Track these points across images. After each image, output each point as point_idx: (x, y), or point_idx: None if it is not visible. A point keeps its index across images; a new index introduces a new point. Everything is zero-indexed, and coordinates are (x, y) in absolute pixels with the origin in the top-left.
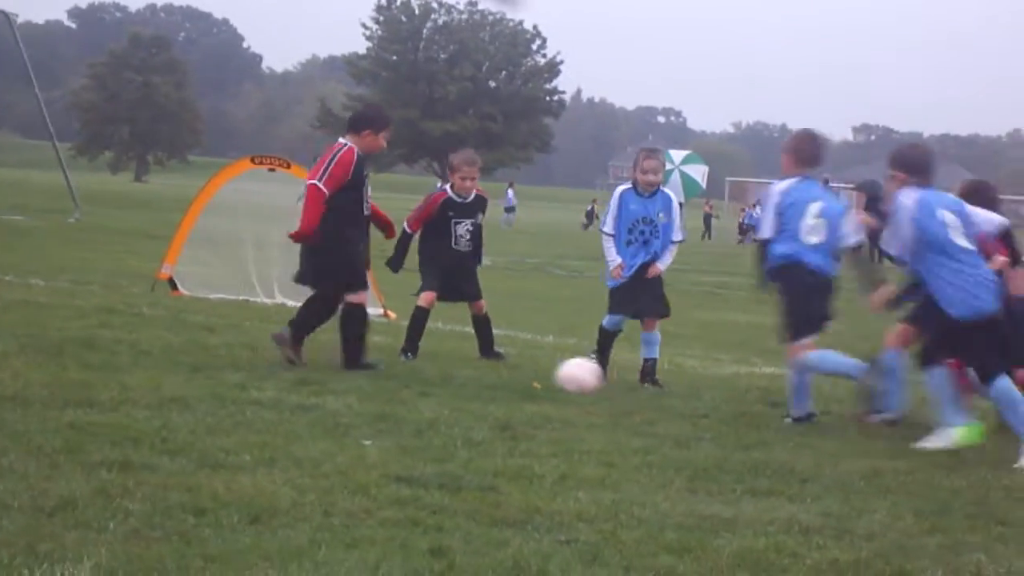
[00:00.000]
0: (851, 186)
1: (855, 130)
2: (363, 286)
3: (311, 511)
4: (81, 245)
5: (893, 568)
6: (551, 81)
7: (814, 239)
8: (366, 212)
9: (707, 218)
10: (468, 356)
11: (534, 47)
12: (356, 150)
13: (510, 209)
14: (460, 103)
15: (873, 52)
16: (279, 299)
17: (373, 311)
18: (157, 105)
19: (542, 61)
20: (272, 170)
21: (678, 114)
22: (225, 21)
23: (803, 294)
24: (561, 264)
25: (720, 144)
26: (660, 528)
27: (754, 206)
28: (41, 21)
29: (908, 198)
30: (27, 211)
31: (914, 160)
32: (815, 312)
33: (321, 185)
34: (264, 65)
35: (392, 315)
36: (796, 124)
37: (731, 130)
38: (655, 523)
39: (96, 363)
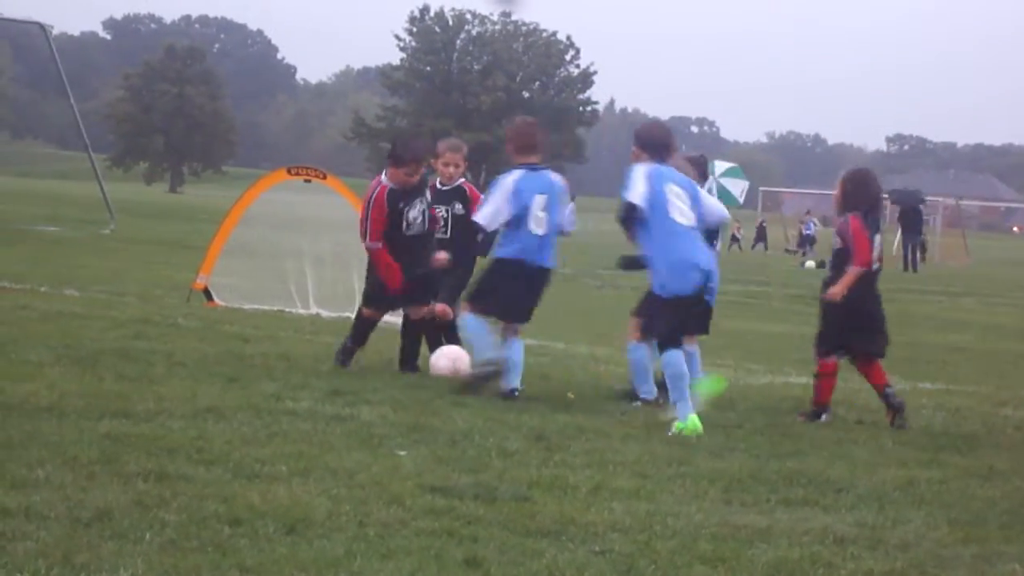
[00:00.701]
0: (884, 196)
1: (888, 140)
2: (419, 301)
3: (346, 521)
4: (116, 256)
5: None
6: (584, 91)
7: (540, 231)
8: (423, 229)
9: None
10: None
11: (567, 57)
12: (388, 186)
13: None
14: (493, 114)
15: (907, 62)
16: (314, 310)
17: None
18: (191, 116)
19: (575, 72)
20: (308, 181)
21: (711, 124)
22: (260, 32)
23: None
24: (595, 274)
25: (753, 153)
26: (694, 539)
27: (807, 213)
28: (76, 32)
29: (639, 170)
30: (62, 222)
31: (651, 138)
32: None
33: (372, 244)
34: (298, 76)
35: None
36: (829, 134)
37: (764, 140)
38: (689, 534)
39: (132, 374)
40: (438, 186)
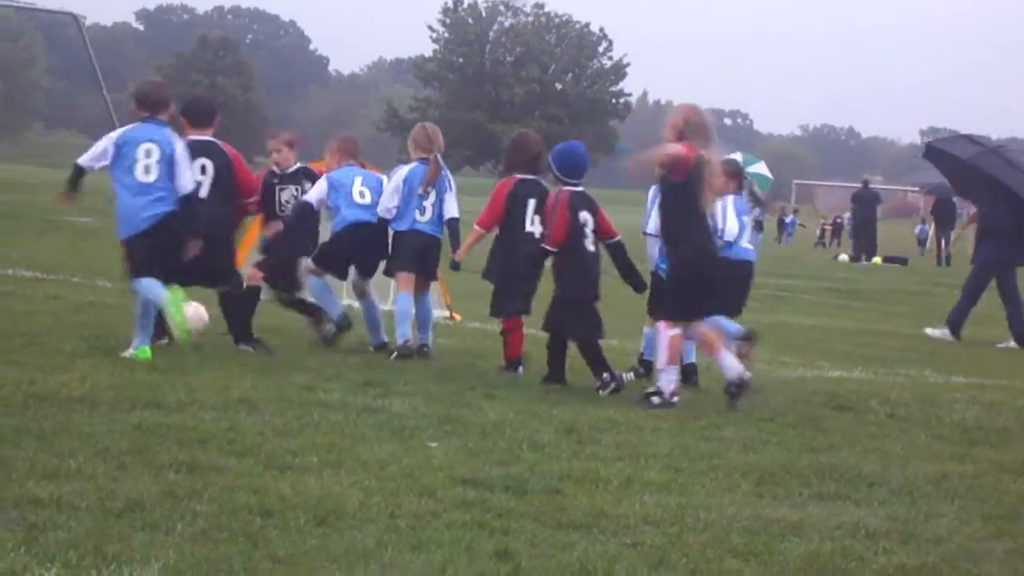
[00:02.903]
0: (917, 189)
1: (922, 132)
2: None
3: (377, 513)
4: None
5: (960, 573)
6: (617, 83)
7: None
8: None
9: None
10: (533, 358)
11: (600, 49)
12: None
13: None
14: (526, 105)
15: (941, 54)
16: (345, 300)
17: (439, 313)
18: (224, 107)
19: (608, 63)
20: None
21: (745, 116)
22: (292, 23)
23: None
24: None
25: (786, 146)
26: (726, 532)
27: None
28: (109, 23)
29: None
30: (94, 213)
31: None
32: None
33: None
34: (331, 67)
35: (458, 317)
36: (863, 126)
37: (798, 132)
38: (721, 527)
39: (163, 365)
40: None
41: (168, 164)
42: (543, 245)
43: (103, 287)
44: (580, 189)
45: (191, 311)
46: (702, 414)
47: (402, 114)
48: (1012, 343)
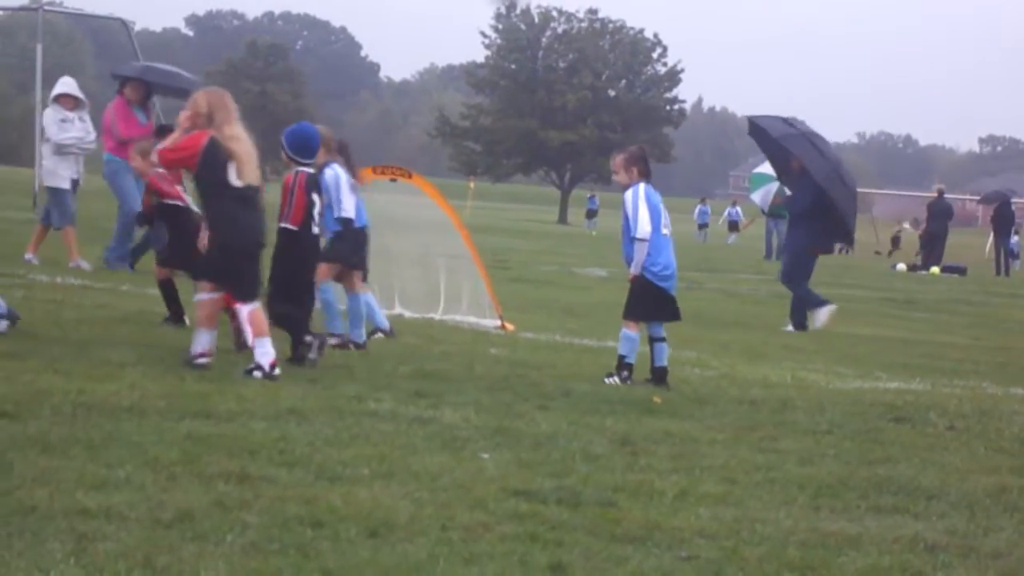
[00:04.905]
0: (977, 198)
1: (981, 141)
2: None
3: (429, 525)
4: None
5: None
6: (671, 90)
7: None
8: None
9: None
10: (586, 369)
11: (654, 55)
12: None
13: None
14: (579, 112)
15: (1000, 61)
16: (398, 310)
17: (490, 322)
18: (274, 114)
19: (662, 70)
20: (394, 180)
21: (801, 124)
22: (343, 29)
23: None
24: (679, 275)
25: (843, 153)
26: (783, 545)
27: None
28: (159, 29)
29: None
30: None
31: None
32: None
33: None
34: (381, 74)
35: (510, 327)
36: (921, 135)
37: (855, 140)
38: (778, 540)
39: (213, 374)
40: None
41: None
42: (284, 225)
43: (153, 295)
44: (312, 171)
45: None
46: (758, 426)
47: (453, 121)
48: (790, 327)
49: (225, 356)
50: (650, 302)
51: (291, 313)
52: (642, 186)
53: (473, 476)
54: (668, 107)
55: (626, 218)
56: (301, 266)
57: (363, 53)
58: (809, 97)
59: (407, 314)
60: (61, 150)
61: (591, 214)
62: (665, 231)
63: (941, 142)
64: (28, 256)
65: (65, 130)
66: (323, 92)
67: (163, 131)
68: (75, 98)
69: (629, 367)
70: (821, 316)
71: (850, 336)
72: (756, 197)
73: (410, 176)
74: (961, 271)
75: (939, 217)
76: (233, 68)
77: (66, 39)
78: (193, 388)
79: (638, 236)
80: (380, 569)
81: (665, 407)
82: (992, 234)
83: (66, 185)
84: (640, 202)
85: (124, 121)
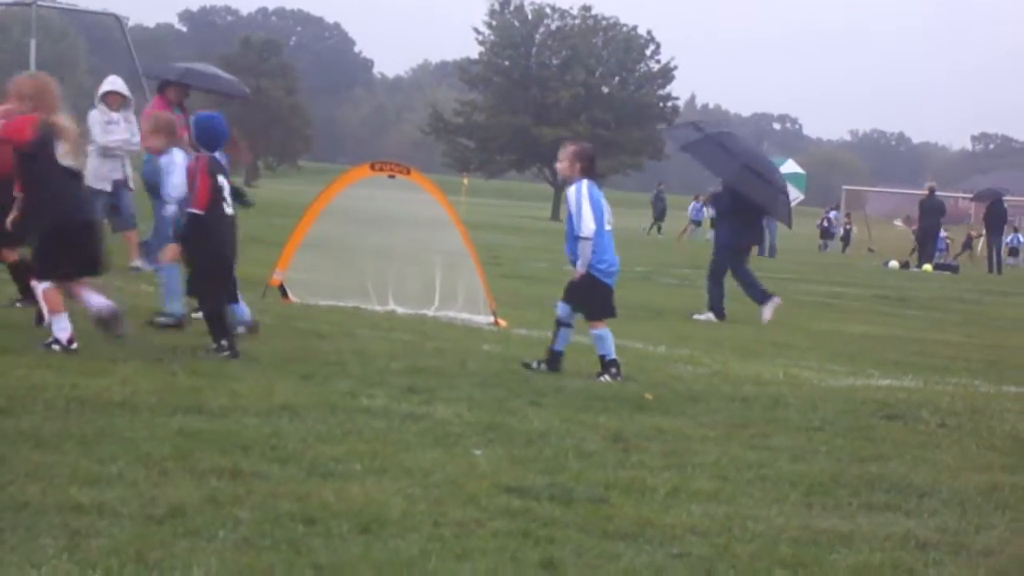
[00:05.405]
0: (969, 196)
1: (974, 139)
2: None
3: (421, 521)
4: None
5: None
6: (665, 87)
7: None
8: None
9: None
10: (578, 366)
11: (648, 52)
12: None
13: None
14: (572, 109)
15: (992, 59)
16: (391, 306)
17: (484, 319)
18: (268, 110)
19: (656, 67)
20: (392, 176)
21: (794, 121)
22: (337, 25)
23: None
24: (671, 272)
25: (836, 151)
26: (775, 543)
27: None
28: (152, 24)
29: None
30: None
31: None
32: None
33: None
34: (375, 70)
35: (503, 323)
36: (913, 132)
37: (847, 137)
38: (769, 537)
39: (205, 370)
40: None
41: None
42: (190, 209)
43: (145, 291)
44: (216, 155)
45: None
46: (750, 423)
47: (447, 117)
48: (711, 315)
49: (235, 353)
50: (607, 298)
51: (210, 302)
52: (585, 183)
53: (465, 472)
54: (661, 104)
55: (570, 216)
56: (218, 249)
57: (356, 49)
58: (802, 95)
59: (400, 310)
60: (107, 152)
61: None
62: (608, 227)
63: (934, 140)
64: (135, 264)
65: (110, 132)
66: (317, 88)
67: None
68: (122, 96)
69: (614, 363)
70: (766, 312)
71: (842, 333)
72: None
73: (408, 172)
74: (953, 269)
75: (931, 214)
76: (226, 64)
77: (59, 34)
78: (185, 383)
79: (583, 235)
80: (372, 565)
81: (657, 404)
82: (985, 231)
83: (108, 187)
84: (583, 200)
85: None
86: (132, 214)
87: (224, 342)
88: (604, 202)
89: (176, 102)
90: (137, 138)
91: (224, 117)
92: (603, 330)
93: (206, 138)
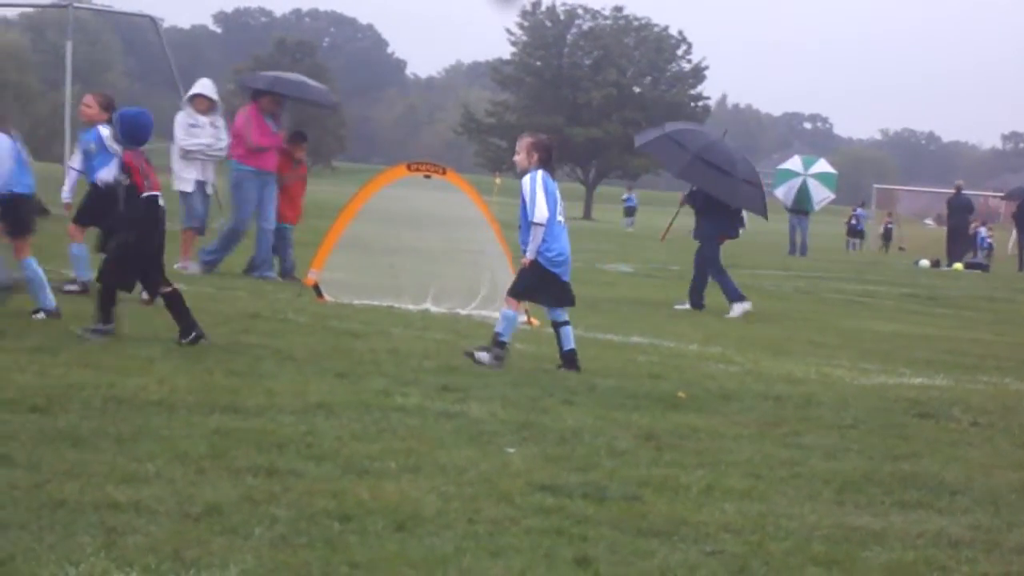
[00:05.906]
0: (1000, 194)
1: (1004, 137)
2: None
3: (456, 519)
4: None
5: None
6: (696, 87)
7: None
8: None
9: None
10: (611, 365)
11: (679, 52)
12: None
13: (630, 211)
14: (604, 109)
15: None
16: (425, 305)
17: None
18: (302, 111)
19: (687, 67)
20: (428, 176)
21: (824, 120)
22: (370, 27)
23: None
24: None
25: (866, 150)
26: (808, 540)
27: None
28: (187, 26)
29: None
30: (170, 216)
31: None
32: None
33: None
34: (408, 71)
35: (536, 322)
36: (944, 132)
37: (878, 136)
38: (803, 535)
39: (241, 369)
40: None
41: None
42: (152, 193)
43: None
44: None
45: None
46: (782, 421)
47: (479, 118)
48: (687, 305)
49: (250, 350)
50: (538, 284)
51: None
52: (540, 173)
53: (499, 470)
54: (692, 104)
55: (524, 204)
56: (147, 234)
57: (389, 50)
58: (833, 94)
59: (434, 309)
60: (186, 155)
61: (629, 212)
62: (560, 219)
63: (964, 139)
64: (181, 264)
65: (193, 135)
66: (350, 89)
67: (296, 138)
68: (210, 100)
69: (503, 345)
70: (736, 310)
71: (874, 332)
72: (779, 193)
73: (444, 172)
74: (984, 267)
75: (958, 212)
76: (261, 65)
77: (95, 36)
78: (222, 383)
79: (535, 220)
80: (407, 562)
81: (690, 403)
82: (1015, 231)
83: (190, 188)
84: (538, 188)
85: (258, 129)
86: (201, 217)
87: (106, 325)
88: (558, 194)
89: (270, 111)
90: (223, 143)
91: (150, 113)
92: (513, 312)
93: (133, 133)
